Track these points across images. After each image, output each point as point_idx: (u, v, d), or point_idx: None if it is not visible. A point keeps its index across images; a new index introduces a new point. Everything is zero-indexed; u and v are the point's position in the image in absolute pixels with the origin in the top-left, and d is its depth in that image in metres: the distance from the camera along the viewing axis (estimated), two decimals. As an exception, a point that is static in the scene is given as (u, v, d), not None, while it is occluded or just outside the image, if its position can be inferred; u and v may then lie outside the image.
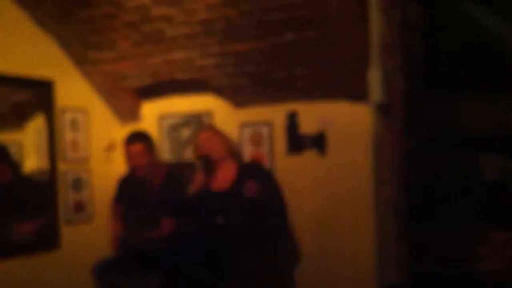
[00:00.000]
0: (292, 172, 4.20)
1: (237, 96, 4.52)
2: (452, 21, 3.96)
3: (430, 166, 3.89)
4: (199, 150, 3.74)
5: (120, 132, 5.07)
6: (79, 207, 4.74)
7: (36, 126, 4.42)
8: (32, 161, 4.43)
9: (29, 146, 4.40)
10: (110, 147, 5.05)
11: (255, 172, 3.66)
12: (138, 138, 4.10)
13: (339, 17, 3.63)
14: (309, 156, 4.28)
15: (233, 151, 3.76)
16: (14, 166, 4.26)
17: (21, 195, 4.29)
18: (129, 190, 4.23)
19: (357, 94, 4.00)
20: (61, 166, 4.57)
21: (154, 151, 4.19)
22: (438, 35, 3.97)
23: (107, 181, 4.87)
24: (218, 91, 4.58)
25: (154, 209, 3.95)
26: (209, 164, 3.68)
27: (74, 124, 4.71)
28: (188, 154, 4.74)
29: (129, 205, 4.16)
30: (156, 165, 4.20)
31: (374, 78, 3.74)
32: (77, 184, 4.73)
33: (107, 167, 5.04)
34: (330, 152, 4.22)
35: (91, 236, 4.79)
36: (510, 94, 4.75)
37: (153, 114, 5.06)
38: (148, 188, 4.08)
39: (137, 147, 4.04)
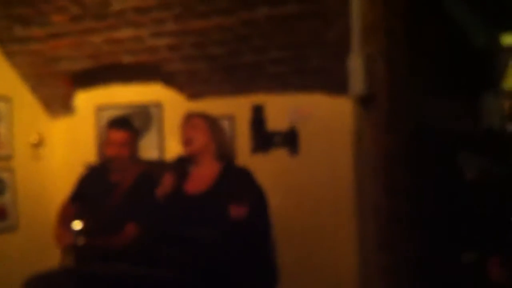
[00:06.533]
0: (258, 175, 3.62)
1: (193, 84, 3.99)
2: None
3: (412, 166, 3.49)
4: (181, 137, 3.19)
5: (49, 125, 4.49)
6: (0, 214, 4.07)
7: None
8: None
9: None
10: (38, 142, 4.38)
11: (241, 180, 3.07)
12: (125, 124, 3.56)
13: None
14: (279, 156, 3.79)
15: (220, 149, 3.16)
16: None
17: None
18: (92, 187, 3.58)
19: (337, 83, 3.52)
20: (-22, 165, 3.93)
21: (136, 146, 3.64)
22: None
23: (34, 182, 4.35)
24: (170, 79, 4.04)
25: (118, 213, 3.34)
26: (183, 162, 3.11)
27: (-6, 114, 4.07)
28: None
29: (89, 204, 3.49)
30: (132, 162, 3.58)
31: (356, 64, 3.28)
32: (-3, 186, 4.09)
33: (34, 166, 4.39)
34: (303, 152, 3.75)
35: (14, 248, 4.14)
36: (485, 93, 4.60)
37: (89, 105, 4.44)
38: (116, 188, 3.47)
39: (121, 134, 3.47)
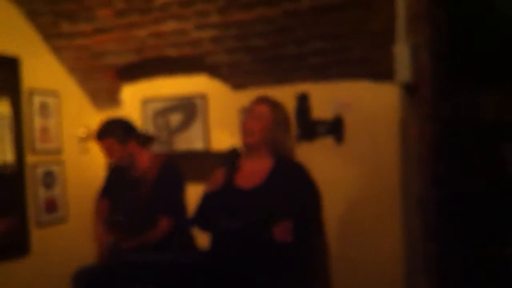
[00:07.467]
0: (303, 164, 3.62)
1: (237, 76, 3.98)
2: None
3: (455, 157, 3.43)
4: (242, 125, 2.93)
5: (96, 118, 4.48)
6: (51, 206, 4.14)
7: (-1, 111, 3.82)
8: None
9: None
10: (86, 136, 4.43)
11: (293, 176, 2.88)
12: (105, 133, 3.43)
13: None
14: (324, 145, 3.74)
15: (279, 143, 2.92)
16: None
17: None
18: (117, 183, 3.56)
19: (381, 72, 3.48)
20: (30, 158, 3.96)
21: (132, 138, 3.46)
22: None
23: (82, 175, 4.41)
24: (214, 70, 4.03)
25: (147, 208, 3.33)
26: (236, 154, 2.91)
27: (44, 109, 4.09)
28: (179, 143, 4.16)
29: (117, 202, 3.50)
30: (146, 154, 3.52)
31: (402, 53, 3.22)
32: (49, 179, 4.12)
33: (83, 159, 4.47)
34: (348, 140, 3.69)
35: (66, 239, 4.22)
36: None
37: (135, 98, 4.48)
38: (141, 183, 3.42)
39: (107, 143, 3.40)
